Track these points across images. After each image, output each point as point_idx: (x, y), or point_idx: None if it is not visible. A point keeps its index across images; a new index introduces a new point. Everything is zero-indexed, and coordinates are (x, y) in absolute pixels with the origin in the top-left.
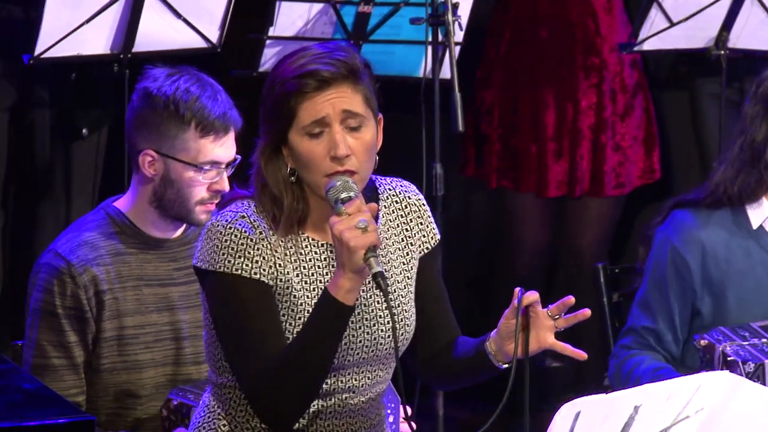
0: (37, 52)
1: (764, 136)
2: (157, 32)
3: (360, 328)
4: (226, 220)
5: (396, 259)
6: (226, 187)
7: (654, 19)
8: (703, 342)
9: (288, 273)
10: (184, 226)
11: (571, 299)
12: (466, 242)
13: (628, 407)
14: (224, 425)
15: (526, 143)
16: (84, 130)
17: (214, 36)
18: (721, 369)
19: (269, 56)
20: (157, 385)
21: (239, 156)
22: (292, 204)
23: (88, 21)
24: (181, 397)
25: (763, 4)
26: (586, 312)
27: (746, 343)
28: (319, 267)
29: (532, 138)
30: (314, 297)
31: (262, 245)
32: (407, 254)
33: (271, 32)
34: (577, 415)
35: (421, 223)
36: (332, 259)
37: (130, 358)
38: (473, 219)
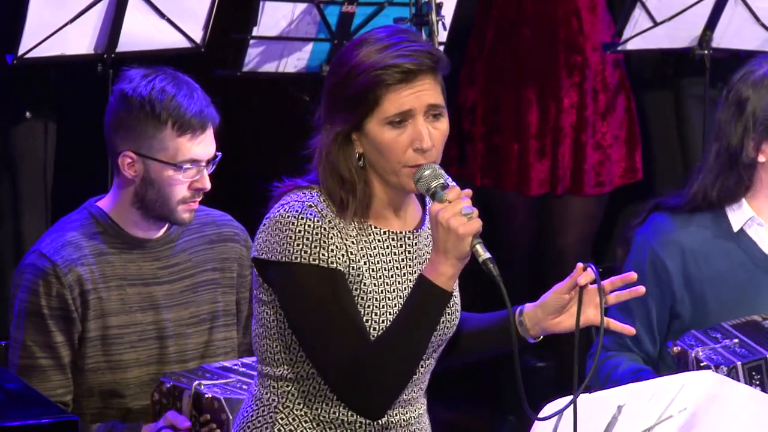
0: (20, 52)
1: (740, 138)
2: (141, 32)
3: None
4: (297, 210)
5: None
6: (207, 185)
7: (638, 19)
8: (676, 349)
9: (358, 261)
10: (167, 225)
11: (633, 275)
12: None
13: (611, 407)
14: (281, 418)
15: (509, 142)
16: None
17: (197, 36)
18: None
19: (253, 56)
20: (141, 384)
21: (219, 153)
22: (364, 189)
23: (71, 21)
24: (174, 381)
25: (746, 4)
26: (640, 289)
27: (718, 345)
28: (383, 255)
29: (515, 136)
30: (380, 285)
31: (334, 233)
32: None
33: (255, 32)
34: (560, 415)
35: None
36: (395, 246)
37: (114, 358)
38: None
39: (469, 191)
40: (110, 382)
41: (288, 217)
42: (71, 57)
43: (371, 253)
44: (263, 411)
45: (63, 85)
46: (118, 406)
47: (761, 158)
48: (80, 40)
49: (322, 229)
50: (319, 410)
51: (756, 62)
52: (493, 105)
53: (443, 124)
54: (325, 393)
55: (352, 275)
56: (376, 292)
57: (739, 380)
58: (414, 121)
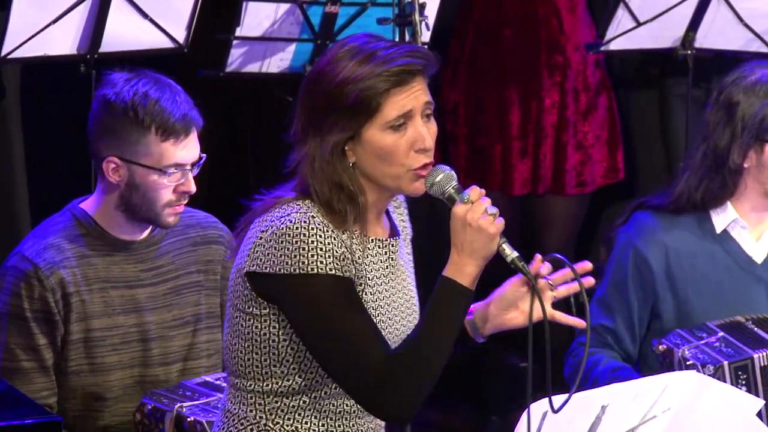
0: (3, 52)
1: (727, 142)
2: (124, 33)
3: (397, 316)
4: (304, 221)
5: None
6: (192, 188)
7: (621, 19)
8: (661, 347)
9: (360, 269)
10: (151, 227)
11: (588, 264)
12: (438, 241)
13: (595, 407)
14: None
15: (492, 142)
16: None
17: (181, 36)
18: None
19: (236, 56)
20: (124, 387)
21: (204, 155)
22: (363, 198)
23: (54, 21)
24: (155, 402)
25: (729, 4)
26: (590, 280)
27: (703, 342)
28: (374, 263)
29: (498, 137)
30: (375, 292)
31: (340, 243)
32: (408, 244)
33: (238, 32)
34: (545, 414)
35: (403, 220)
36: (381, 254)
37: (97, 361)
38: (442, 218)
39: (483, 190)
40: (93, 384)
41: (297, 228)
42: (54, 57)
43: (366, 261)
44: (251, 429)
45: (44, 84)
46: (100, 409)
47: (746, 164)
48: (63, 41)
49: (332, 239)
50: (309, 424)
51: (749, 67)
52: (476, 106)
53: (434, 124)
54: (324, 406)
55: (357, 284)
56: (372, 299)
57: (725, 380)
58: (413, 123)
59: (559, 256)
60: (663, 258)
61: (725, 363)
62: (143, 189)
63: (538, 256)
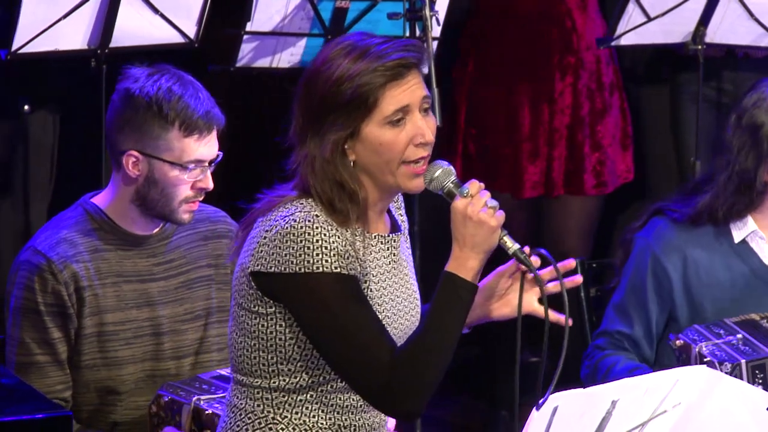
0: (14, 47)
1: (754, 164)
2: (135, 28)
3: (400, 311)
4: (308, 220)
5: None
6: (210, 185)
7: (631, 14)
8: (678, 342)
9: (365, 266)
10: (163, 222)
11: (572, 263)
12: (444, 243)
13: (605, 402)
14: (282, 429)
15: (501, 144)
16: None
17: (191, 31)
18: None
19: (246, 51)
20: (137, 381)
21: (221, 152)
22: (364, 196)
23: (65, 16)
24: (172, 394)
25: (740, 0)
26: (578, 279)
27: (721, 341)
28: (377, 259)
29: (507, 139)
30: (380, 288)
31: (344, 241)
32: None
33: (249, 27)
34: (555, 409)
35: (401, 214)
36: (384, 249)
37: (110, 355)
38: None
39: (481, 184)
40: (106, 378)
41: (301, 227)
42: (64, 53)
43: (369, 258)
44: (259, 424)
45: (56, 80)
46: (113, 403)
47: None
48: (74, 36)
49: (336, 237)
50: (317, 417)
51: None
52: (485, 107)
53: (433, 117)
54: (331, 400)
55: (361, 281)
56: (377, 296)
57: (742, 378)
58: (412, 117)
59: (543, 251)
60: (681, 267)
61: (743, 361)
62: (162, 184)
63: (527, 249)
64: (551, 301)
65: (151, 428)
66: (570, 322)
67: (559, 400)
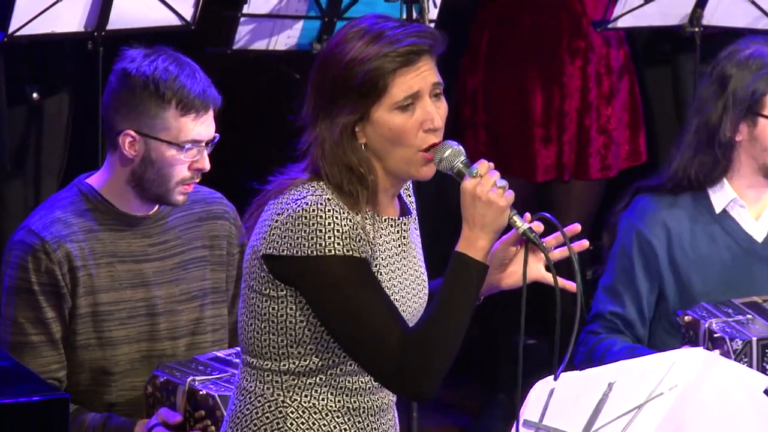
0: (11, 29)
1: (719, 117)
2: (132, 10)
3: (409, 293)
4: (320, 203)
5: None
6: (207, 165)
7: None
8: (687, 318)
9: (375, 250)
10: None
11: (577, 227)
12: (453, 226)
13: (602, 384)
14: (292, 412)
15: (513, 129)
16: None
17: (188, 13)
18: (707, 346)
19: (243, 34)
20: (131, 361)
21: (218, 134)
22: (375, 179)
23: None
24: (167, 374)
25: None
26: (584, 243)
27: (731, 319)
28: (387, 242)
29: (519, 124)
30: (389, 271)
31: (355, 224)
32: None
33: (246, 10)
34: (552, 392)
35: (409, 195)
36: (394, 233)
37: (104, 335)
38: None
39: (491, 164)
40: (101, 358)
41: (313, 210)
42: (61, 35)
43: (379, 241)
44: (269, 407)
45: (49, 62)
46: (108, 383)
47: (738, 138)
48: (71, 18)
49: (348, 220)
50: (326, 400)
51: (744, 42)
52: (496, 92)
53: (444, 103)
54: (341, 383)
55: (372, 264)
56: (386, 279)
57: (752, 355)
58: (422, 103)
59: (548, 215)
60: (665, 238)
61: (754, 339)
62: (158, 164)
63: (528, 215)
64: (537, 306)
65: (147, 409)
66: (577, 290)
67: (555, 382)
